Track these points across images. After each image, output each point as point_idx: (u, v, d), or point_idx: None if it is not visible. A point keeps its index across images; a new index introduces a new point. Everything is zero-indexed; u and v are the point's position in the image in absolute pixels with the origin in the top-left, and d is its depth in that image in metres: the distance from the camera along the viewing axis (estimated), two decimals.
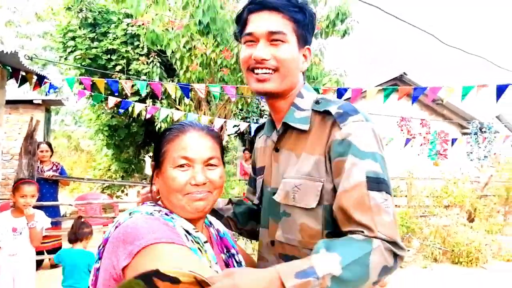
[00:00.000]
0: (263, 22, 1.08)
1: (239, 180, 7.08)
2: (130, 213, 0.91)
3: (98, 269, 0.87)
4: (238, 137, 16.47)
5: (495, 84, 4.38)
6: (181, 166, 0.94)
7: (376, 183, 0.95)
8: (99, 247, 0.91)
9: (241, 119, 12.16)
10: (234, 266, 1.05)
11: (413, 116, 7.18)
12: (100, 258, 0.88)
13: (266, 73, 1.08)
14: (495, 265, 5.89)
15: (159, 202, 1.01)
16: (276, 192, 1.12)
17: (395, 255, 0.91)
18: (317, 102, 1.12)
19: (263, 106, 15.55)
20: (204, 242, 0.93)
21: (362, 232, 0.91)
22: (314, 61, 7.08)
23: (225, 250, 1.08)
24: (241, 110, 11.32)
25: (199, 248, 0.89)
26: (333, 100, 1.09)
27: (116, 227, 0.87)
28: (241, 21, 1.14)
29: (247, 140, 14.55)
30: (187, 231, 0.91)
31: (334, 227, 1.02)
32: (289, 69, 1.09)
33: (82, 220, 3.30)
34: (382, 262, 0.88)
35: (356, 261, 0.85)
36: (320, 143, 1.05)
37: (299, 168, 1.07)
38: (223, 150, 1.04)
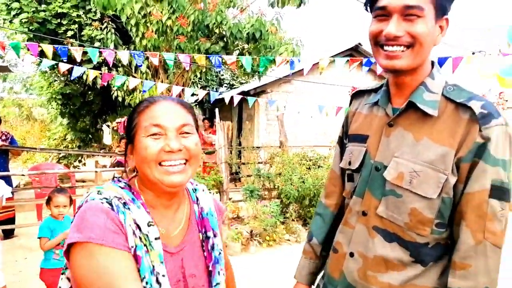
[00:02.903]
0: None
1: None
2: (98, 191, 0.93)
3: None
4: (197, 106, 16.36)
5: (436, 57, 4.67)
6: (154, 134, 0.93)
7: (498, 191, 0.99)
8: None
9: (200, 87, 12.07)
10: (208, 249, 1.07)
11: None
12: None
13: (397, 50, 1.02)
14: None
15: (134, 181, 1.01)
16: (385, 169, 1.10)
17: None
18: (449, 88, 1.07)
19: (222, 75, 15.44)
20: (155, 238, 0.92)
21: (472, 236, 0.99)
22: (271, 30, 7.12)
23: (203, 230, 1.09)
24: (200, 78, 11.22)
25: (145, 245, 0.90)
26: (468, 91, 1.05)
27: (79, 207, 0.91)
28: None
29: (207, 109, 14.49)
30: (139, 226, 0.91)
31: (446, 218, 1.06)
32: (423, 45, 1.02)
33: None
34: None
35: None
36: (451, 135, 1.02)
37: (420, 153, 1.05)
38: (197, 121, 1.03)
